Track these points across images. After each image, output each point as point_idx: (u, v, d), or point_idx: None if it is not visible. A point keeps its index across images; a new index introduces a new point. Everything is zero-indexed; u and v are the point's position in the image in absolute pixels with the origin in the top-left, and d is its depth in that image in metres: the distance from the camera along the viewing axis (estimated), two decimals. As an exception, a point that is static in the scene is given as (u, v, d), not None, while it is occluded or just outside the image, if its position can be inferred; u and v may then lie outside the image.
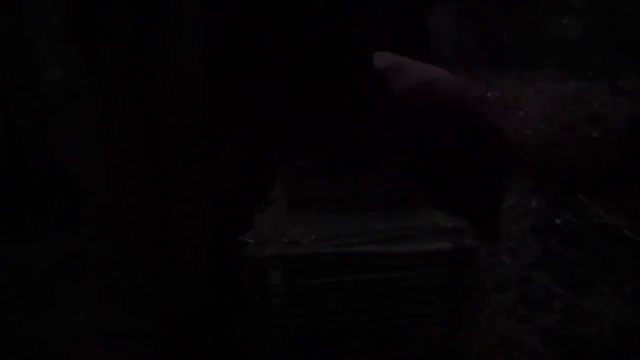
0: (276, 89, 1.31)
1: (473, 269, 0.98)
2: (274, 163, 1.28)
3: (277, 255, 0.93)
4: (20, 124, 2.24)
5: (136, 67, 1.18)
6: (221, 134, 1.28)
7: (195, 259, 1.19)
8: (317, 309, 0.96)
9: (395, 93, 1.27)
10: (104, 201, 1.69)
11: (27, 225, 2.10)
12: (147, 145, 1.15)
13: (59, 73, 2.64)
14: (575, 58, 3.61)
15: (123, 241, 1.50)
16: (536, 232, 2.02)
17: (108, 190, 1.49)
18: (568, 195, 2.18)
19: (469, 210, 1.09)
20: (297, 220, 1.02)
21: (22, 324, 1.60)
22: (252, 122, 1.32)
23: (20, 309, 1.68)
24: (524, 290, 1.71)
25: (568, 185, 2.27)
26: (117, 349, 1.48)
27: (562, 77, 3.83)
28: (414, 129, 1.26)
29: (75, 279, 1.79)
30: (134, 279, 1.50)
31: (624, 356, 1.46)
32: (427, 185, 1.19)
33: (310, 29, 1.30)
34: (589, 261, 1.84)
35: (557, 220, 2.07)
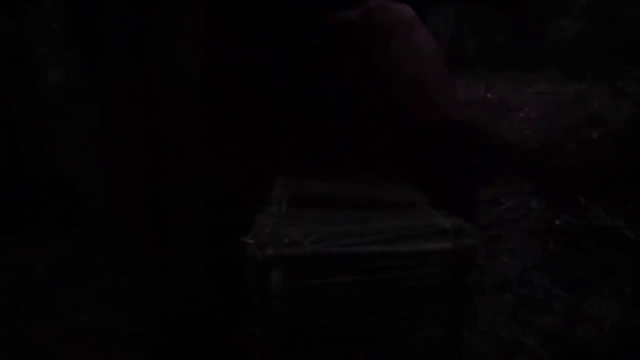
0: (276, 90, 1.32)
1: (474, 269, 0.98)
2: (275, 164, 1.28)
3: (278, 256, 0.93)
4: (21, 127, 2.24)
5: (136, 71, 1.19)
6: (221, 136, 1.29)
7: (196, 262, 1.19)
8: (318, 309, 0.96)
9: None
10: (104, 204, 1.69)
11: (27, 229, 2.10)
12: (147, 147, 1.16)
13: (60, 76, 2.65)
14: (575, 60, 3.62)
15: (123, 244, 1.50)
16: (536, 233, 2.02)
17: (108, 193, 1.49)
18: (568, 197, 2.18)
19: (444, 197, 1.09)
20: (298, 221, 1.02)
21: (22, 327, 1.60)
22: (253, 123, 1.33)
23: (20, 312, 1.68)
24: (524, 291, 1.71)
25: (568, 186, 2.27)
26: (117, 352, 1.48)
27: (561, 79, 3.84)
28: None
29: (75, 282, 1.79)
30: (135, 283, 1.50)
31: (624, 358, 1.46)
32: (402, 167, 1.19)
33: (309, 31, 1.31)
34: (589, 263, 1.84)
35: (557, 222, 2.08)
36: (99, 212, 1.89)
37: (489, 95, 3.70)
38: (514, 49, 4.32)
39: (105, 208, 1.63)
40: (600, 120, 2.89)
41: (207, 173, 1.16)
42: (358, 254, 0.95)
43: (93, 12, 1.33)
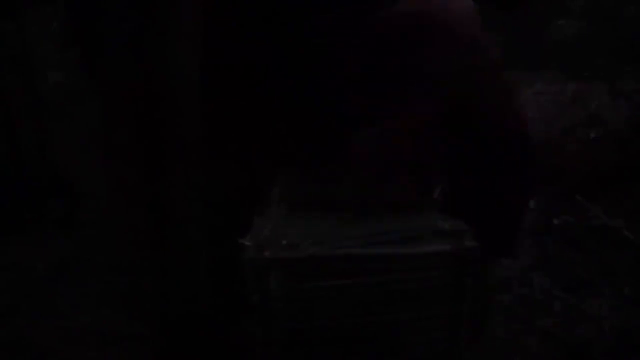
0: (276, 90, 1.32)
1: (473, 271, 0.99)
2: (275, 164, 1.28)
3: (276, 258, 0.93)
4: (21, 127, 2.24)
5: (136, 71, 1.19)
6: (221, 136, 1.29)
7: (196, 262, 1.20)
8: (317, 312, 0.96)
9: None
10: (104, 204, 1.69)
11: (27, 229, 2.10)
12: (147, 147, 1.16)
13: (60, 77, 2.65)
14: (575, 60, 3.61)
15: (123, 244, 1.50)
16: (535, 233, 2.02)
17: (108, 193, 1.49)
18: (567, 197, 2.18)
19: (488, 219, 1.07)
20: (297, 223, 1.02)
21: (22, 327, 1.60)
22: (252, 123, 1.33)
23: (20, 312, 1.68)
24: (524, 291, 1.72)
25: (568, 186, 2.27)
26: (117, 352, 1.48)
27: (561, 78, 3.82)
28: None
29: (76, 282, 1.79)
30: (135, 283, 1.50)
31: (624, 358, 1.46)
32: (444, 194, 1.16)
33: (310, 32, 1.31)
34: (589, 263, 1.84)
35: (556, 222, 2.08)
36: (99, 212, 1.89)
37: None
38: (514, 49, 4.31)
39: (105, 208, 1.63)
40: (600, 120, 2.88)
41: (207, 173, 1.16)
42: (357, 257, 0.95)
43: (93, 12, 1.33)
